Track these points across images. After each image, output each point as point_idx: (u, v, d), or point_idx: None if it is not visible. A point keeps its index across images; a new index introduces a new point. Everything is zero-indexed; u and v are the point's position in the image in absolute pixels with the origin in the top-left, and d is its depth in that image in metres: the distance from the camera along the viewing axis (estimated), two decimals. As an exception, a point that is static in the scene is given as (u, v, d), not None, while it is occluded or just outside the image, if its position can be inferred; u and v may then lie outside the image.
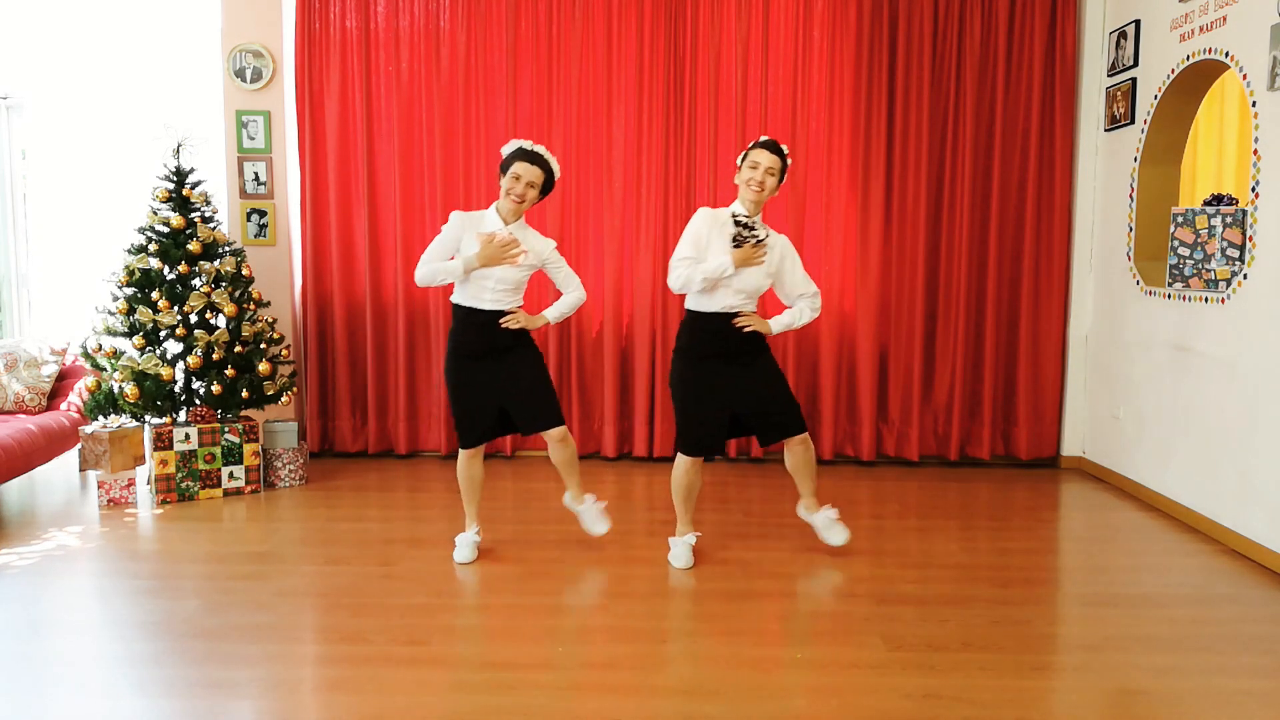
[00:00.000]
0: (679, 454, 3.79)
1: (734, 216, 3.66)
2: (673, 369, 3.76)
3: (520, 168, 3.62)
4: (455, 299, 3.74)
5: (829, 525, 3.90)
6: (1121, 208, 5.08)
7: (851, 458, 5.61)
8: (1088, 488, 5.12)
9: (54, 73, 5.79)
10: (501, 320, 3.69)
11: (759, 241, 3.63)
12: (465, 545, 3.86)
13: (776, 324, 3.76)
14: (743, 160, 3.70)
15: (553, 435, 3.76)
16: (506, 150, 3.69)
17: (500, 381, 3.72)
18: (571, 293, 3.87)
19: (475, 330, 3.70)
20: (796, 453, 3.82)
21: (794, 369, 5.48)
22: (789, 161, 3.73)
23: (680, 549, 3.84)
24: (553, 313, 3.89)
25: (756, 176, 3.63)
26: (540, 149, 3.69)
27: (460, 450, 3.83)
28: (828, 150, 5.38)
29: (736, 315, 3.68)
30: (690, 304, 3.73)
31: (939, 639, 3.10)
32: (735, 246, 3.60)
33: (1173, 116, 4.77)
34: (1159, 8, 4.73)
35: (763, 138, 3.73)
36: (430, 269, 3.69)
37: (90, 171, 5.84)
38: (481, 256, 3.61)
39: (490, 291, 3.67)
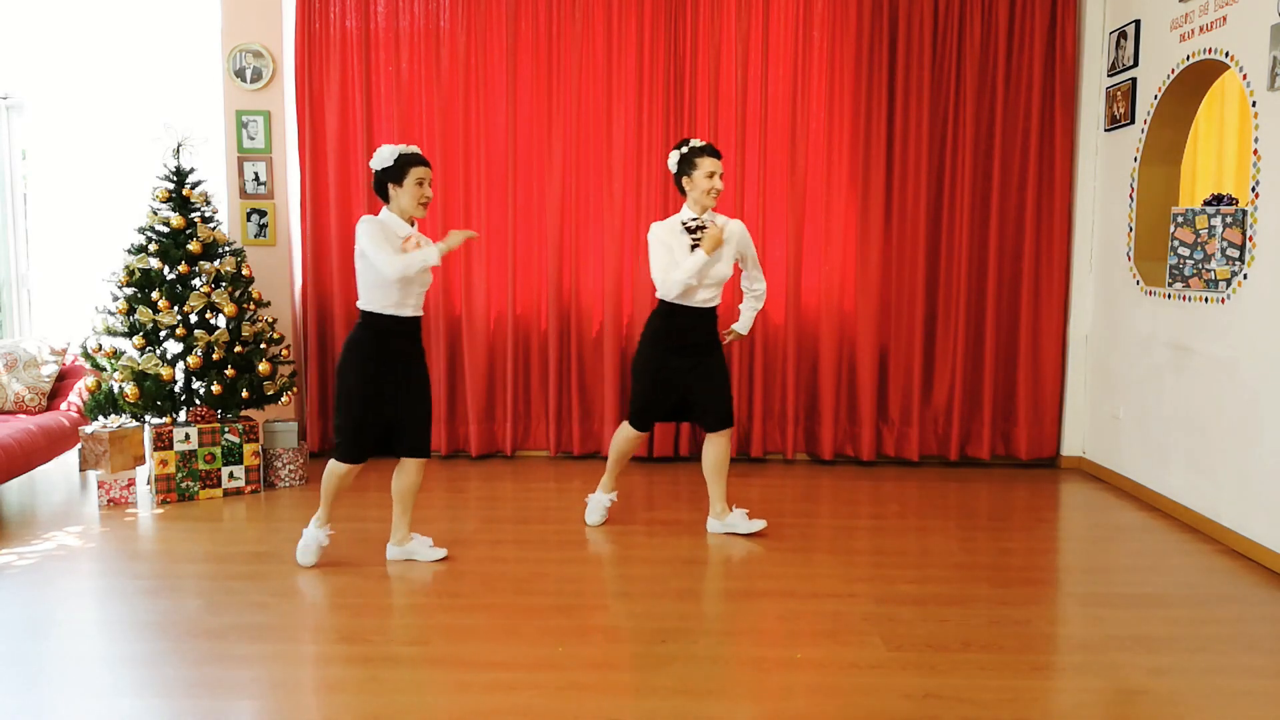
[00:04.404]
0: (626, 423, 4.15)
1: (683, 223, 3.95)
2: (639, 351, 4.08)
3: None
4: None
5: (744, 521, 4.13)
6: (1121, 208, 5.08)
7: (851, 458, 5.61)
8: (1088, 488, 5.12)
9: (54, 73, 5.79)
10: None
11: (717, 227, 3.91)
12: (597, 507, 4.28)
13: (745, 326, 4.20)
14: (692, 169, 3.89)
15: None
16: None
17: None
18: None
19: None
20: (715, 445, 4.09)
21: (794, 368, 5.48)
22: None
23: (596, 507, 4.28)
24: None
25: (718, 185, 3.91)
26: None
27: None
28: (828, 150, 5.38)
29: (707, 310, 4.01)
30: (669, 299, 4.00)
31: (939, 639, 3.10)
32: (694, 248, 3.89)
33: (1173, 116, 4.77)
34: (1159, 8, 4.73)
35: (701, 142, 3.95)
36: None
37: (90, 172, 5.84)
38: None
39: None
